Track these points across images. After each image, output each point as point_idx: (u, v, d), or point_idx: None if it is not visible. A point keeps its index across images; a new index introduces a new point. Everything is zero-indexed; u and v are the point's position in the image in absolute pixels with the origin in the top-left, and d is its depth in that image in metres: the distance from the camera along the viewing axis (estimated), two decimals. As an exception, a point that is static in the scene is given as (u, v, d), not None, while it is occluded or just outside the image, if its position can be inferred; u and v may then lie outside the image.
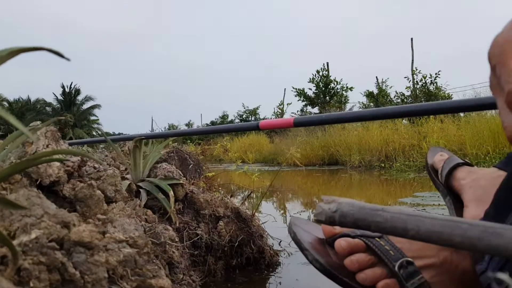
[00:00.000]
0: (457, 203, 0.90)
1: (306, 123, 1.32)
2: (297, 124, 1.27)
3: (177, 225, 1.32)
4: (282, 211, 3.06)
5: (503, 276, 0.28)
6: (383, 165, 7.68)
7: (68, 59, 0.50)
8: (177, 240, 1.13)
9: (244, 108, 22.47)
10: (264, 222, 1.71)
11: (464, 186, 0.87)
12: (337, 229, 0.69)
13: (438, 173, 1.01)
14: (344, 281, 0.64)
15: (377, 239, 0.65)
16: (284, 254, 1.69)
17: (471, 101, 0.93)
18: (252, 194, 2.08)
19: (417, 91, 12.76)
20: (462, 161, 0.97)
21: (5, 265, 0.56)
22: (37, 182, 0.95)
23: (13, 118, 0.42)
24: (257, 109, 22.43)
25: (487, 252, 0.32)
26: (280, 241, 1.82)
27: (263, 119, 12.67)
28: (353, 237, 0.66)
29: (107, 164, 1.14)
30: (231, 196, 1.68)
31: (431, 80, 12.61)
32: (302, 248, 0.68)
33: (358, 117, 1.17)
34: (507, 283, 0.27)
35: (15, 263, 0.52)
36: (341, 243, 0.66)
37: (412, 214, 0.37)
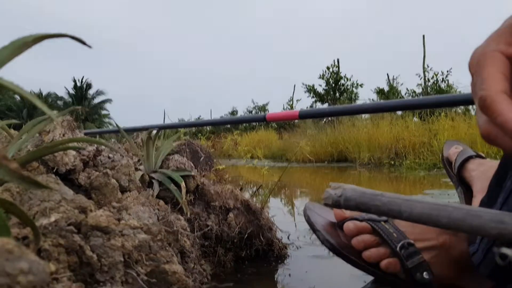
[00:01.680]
0: (467, 194, 0.95)
1: (311, 115, 1.35)
2: (302, 116, 1.30)
3: (188, 215, 1.34)
4: (290, 207, 3.07)
5: (507, 250, 0.30)
6: (393, 162, 7.65)
7: (89, 46, 0.52)
8: (188, 230, 1.15)
9: (254, 104, 22.48)
10: (273, 216, 1.72)
11: (474, 177, 0.91)
12: (347, 213, 0.76)
13: (452, 165, 1.05)
14: (351, 259, 0.70)
15: (382, 223, 0.71)
16: (293, 247, 1.70)
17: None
18: (261, 187, 2.10)
19: (429, 88, 12.67)
20: (474, 153, 1.01)
21: (26, 246, 0.58)
22: (54, 170, 0.97)
23: (39, 102, 0.44)
24: (267, 105, 22.43)
25: (469, 231, 0.36)
26: (289, 235, 1.83)
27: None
28: (361, 220, 0.73)
29: (120, 155, 1.16)
30: (241, 189, 1.70)
31: (442, 78, 12.52)
32: (314, 230, 0.75)
33: (361, 109, 1.20)
34: (510, 257, 0.29)
35: (37, 244, 0.55)
36: (349, 225, 0.73)
37: (406, 199, 0.42)
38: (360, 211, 0.46)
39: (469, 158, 0.99)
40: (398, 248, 0.67)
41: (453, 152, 1.08)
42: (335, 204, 0.47)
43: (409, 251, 0.67)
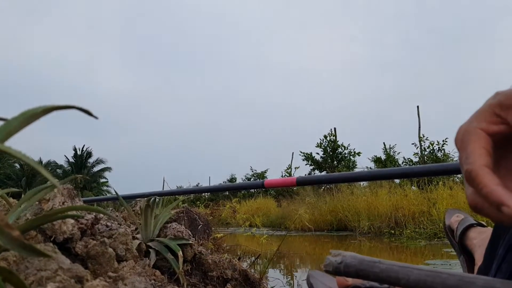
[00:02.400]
0: (470, 262, 0.95)
1: (308, 182, 1.37)
2: (300, 183, 1.32)
3: (185, 286, 1.31)
4: (289, 277, 2.99)
5: None
6: (393, 231, 7.53)
7: (96, 117, 0.54)
8: (184, 301, 1.12)
9: (252, 171, 22.51)
10: (273, 287, 1.68)
11: (475, 246, 0.92)
12: (349, 281, 0.75)
13: (454, 233, 1.06)
14: None
15: None
16: (293, 320, 1.64)
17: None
18: (259, 257, 2.06)
19: (425, 157, 12.79)
20: (475, 222, 1.03)
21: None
22: (51, 239, 0.97)
23: (45, 171, 0.45)
24: (265, 172, 22.44)
25: None
26: (288, 307, 1.78)
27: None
28: None
29: (118, 223, 1.16)
30: (239, 259, 1.67)
31: (438, 147, 12.68)
32: None
33: (358, 177, 1.22)
34: None
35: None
36: None
37: (402, 266, 0.44)
38: (359, 278, 0.47)
39: (470, 226, 1.01)
40: None
41: (454, 220, 1.10)
42: (336, 270, 0.48)
43: None
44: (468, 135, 0.40)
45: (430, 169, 1.02)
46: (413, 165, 13.16)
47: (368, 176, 1.25)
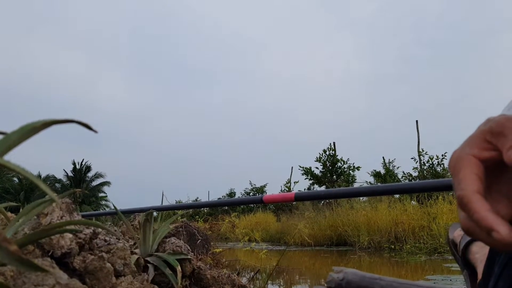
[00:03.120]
0: (473, 276, 0.96)
1: (306, 197, 1.39)
2: (298, 198, 1.33)
3: (183, 302, 1.30)
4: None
5: None
6: (393, 246, 7.49)
7: (95, 131, 0.54)
8: (183, 317, 1.11)
9: (251, 186, 22.45)
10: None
11: (477, 260, 0.93)
12: None
13: (457, 247, 1.06)
14: None
15: None
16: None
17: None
18: (259, 272, 2.04)
19: (425, 172, 12.78)
20: None
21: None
22: (49, 253, 0.96)
23: (44, 185, 0.45)
24: (265, 186, 22.38)
25: None
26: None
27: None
28: None
29: (117, 238, 1.15)
30: (238, 274, 1.65)
31: (438, 162, 12.68)
32: None
33: (357, 192, 1.23)
34: None
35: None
36: None
37: (401, 283, 0.45)
38: None
39: (472, 240, 1.01)
40: None
41: (457, 234, 1.11)
42: (338, 287, 0.52)
43: None
44: (461, 161, 0.42)
45: (430, 184, 1.03)
46: (412, 180, 13.16)
47: (367, 192, 1.25)
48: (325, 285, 0.54)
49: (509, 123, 0.41)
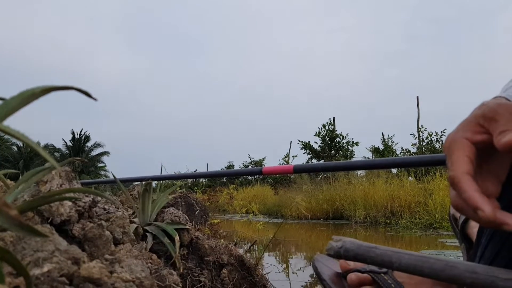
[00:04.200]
0: (470, 249, 1.01)
1: (305, 169, 1.39)
2: (297, 170, 1.34)
3: (181, 270, 1.32)
4: (285, 264, 3.01)
5: None
6: (388, 221, 7.58)
7: (95, 99, 0.54)
8: (180, 285, 1.13)
9: (250, 159, 22.54)
10: (268, 273, 1.69)
11: (474, 234, 0.96)
12: (351, 264, 0.82)
13: (457, 222, 1.10)
14: None
15: (382, 274, 0.78)
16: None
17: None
18: (255, 243, 2.07)
19: (423, 148, 12.81)
20: None
21: (17, 297, 0.58)
22: (48, 221, 0.97)
23: (43, 151, 0.45)
24: (263, 160, 22.47)
25: (448, 280, 0.43)
26: (283, 293, 1.79)
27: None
28: (363, 272, 0.80)
29: (116, 207, 1.16)
30: (235, 245, 1.68)
31: (436, 138, 12.70)
32: (321, 279, 0.83)
33: (355, 166, 1.24)
34: None
35: (29, 294, 0.54)
36: (352, 277, 0.80)
37: (396, 251, 0.49)
38: (357, 261, 0.52)
39: None
40: None
41: None
42: (336, 254, 0.54)
43: None
44: (454, 143, 0.46)
45: (426, 159, 1.04)
46: (410, 155, 13.18)
47: (364, 165, 1.26)
48: (325, 252, 0.57)
49: (501, 109, 0.43)
